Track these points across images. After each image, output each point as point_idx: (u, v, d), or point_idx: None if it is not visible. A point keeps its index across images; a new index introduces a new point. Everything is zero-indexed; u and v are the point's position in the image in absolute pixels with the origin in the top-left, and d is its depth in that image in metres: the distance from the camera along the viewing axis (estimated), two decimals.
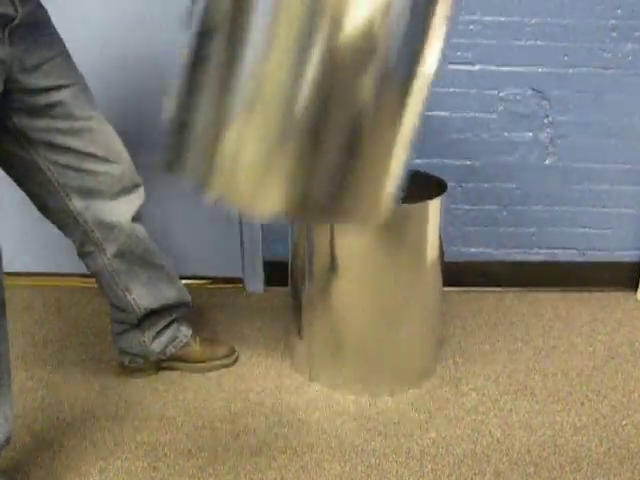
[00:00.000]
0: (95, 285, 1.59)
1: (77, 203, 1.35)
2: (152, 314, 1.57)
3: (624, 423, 1.52)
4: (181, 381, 1.66)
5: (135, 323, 1.57)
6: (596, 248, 2.16)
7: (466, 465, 1.38)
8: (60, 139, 1.26)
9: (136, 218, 1.44)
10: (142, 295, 1.52)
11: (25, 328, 1.90)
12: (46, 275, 2.20)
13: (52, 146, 1.26)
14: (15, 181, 1.34)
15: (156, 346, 1.62)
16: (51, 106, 1.22)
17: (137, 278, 1.50)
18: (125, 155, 1.39)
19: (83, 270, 1.56)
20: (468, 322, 1.97)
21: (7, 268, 2.22)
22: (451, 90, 1.97)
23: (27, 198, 1.36)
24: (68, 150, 1.27)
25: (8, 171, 1.32)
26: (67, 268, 2.13)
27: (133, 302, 1.52)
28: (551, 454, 1.42)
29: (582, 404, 1.59)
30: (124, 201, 1.40)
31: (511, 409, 1.57)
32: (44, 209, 1.38)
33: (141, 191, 1.45)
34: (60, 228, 1.42)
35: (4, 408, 1.17)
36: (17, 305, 2.04)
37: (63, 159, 1.28)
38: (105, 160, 1.33)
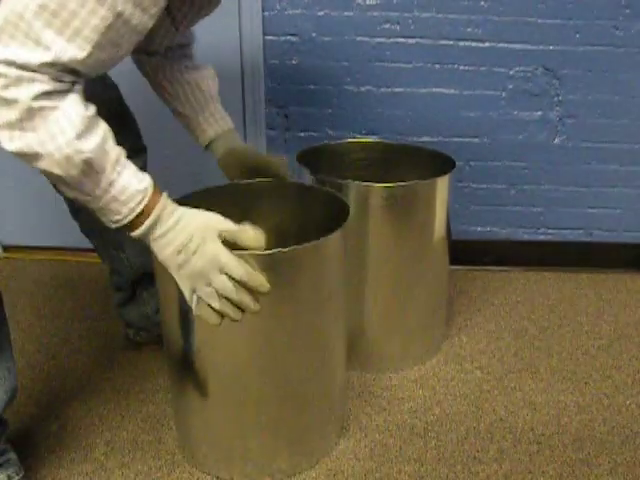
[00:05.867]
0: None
1: None
2: (151, 282, 1.53)
3: (628, 403, 1.53)
4: None
5: (130, 289, 1.55)
6: (604, 228, 2.16)
7: (469, 442, 1.39)
8: None
9: None
10: (135, 253, 1.50)
11: (33, 301, 1.92)
12: (55, 249, 2.21)
13: None
14: None
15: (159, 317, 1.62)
16: None
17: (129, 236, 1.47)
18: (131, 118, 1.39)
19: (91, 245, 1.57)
20: (474, 300, 1.97)
21: (17, 242, 2.25)
22: (460, 67, 1.95)
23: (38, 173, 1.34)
24: None
25: None
26: (76, 243, 2.13)
27: (126, 261, 1.51)
28: (554, 433, 1.42)
29: (586, 383, 1.59)
30: None
31: (515, 387, 1.57)
32: None
33: (144, 157, 1.45)
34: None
35: (5, 362, 1.16)
36: (26, 278, 2.05)
37: None
38: None
